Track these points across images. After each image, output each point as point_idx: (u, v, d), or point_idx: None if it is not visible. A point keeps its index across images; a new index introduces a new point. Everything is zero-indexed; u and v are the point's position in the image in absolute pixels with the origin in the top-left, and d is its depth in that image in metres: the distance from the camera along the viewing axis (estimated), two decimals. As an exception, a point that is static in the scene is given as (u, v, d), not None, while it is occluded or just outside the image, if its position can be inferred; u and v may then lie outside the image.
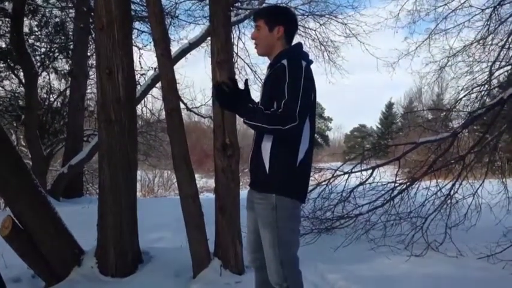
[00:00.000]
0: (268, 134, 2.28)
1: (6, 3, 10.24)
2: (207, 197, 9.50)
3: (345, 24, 12.13)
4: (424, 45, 9.20)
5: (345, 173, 6.20)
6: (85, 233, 4.25)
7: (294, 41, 2.52)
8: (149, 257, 4.21)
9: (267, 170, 2.31)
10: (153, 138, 14.51)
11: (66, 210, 5.34)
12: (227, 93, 2.36)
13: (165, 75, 3.86)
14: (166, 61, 3.85)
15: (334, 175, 6.20)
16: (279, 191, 2.30)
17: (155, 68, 10.85)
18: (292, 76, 2.22)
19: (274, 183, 2.31)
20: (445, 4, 8.75)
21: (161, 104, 14.22)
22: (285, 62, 2.29)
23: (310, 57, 2.46)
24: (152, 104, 18.30)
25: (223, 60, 3.84)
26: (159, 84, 11.13)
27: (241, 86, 2.44)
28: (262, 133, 2.32)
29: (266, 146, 2.32)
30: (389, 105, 39.72)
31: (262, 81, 2.54)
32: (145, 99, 12.12)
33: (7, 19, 10.51)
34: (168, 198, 13.51)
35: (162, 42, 3.83)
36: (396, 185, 5.93)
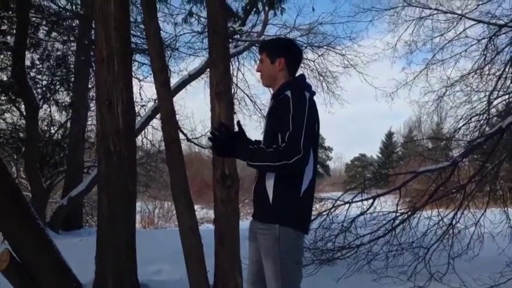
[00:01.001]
0: (276, 171, 2.28)
1: (8, 37, 10.40)
2: (208, 228, 9.41)
3: (343, 55, 12.29)
4: (422, 75, 9.31)
5: (345, 203, 6.16)
6: (84, 266, 4.20)
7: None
8: (148, 290, 4.15)
9: (271, 201, 2.31)
10: (153, 169, 14.50)
11: (65, 243, 5.29)
12: (222, 140, 2.37)
13: (164, 107, 3.88)
14: (166, 93, 3.88)
15: (335, 205, 6.17)
16: (282, 221, 2.29)
17: (155, 100, 10.94)
18: (296, 107, 2.25)
19: (278, 213, 2.30)
20: (441, 35, 8.89)
21: (161, 135, 14.26)
22: (288, 93, 2.32)
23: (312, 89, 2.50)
24: (152, 135, 18.39)
25: (222, 91, 3.87)
26: (159, 115, 11.19)
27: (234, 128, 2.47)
28: (269, 171, 2.32)
29: (270, 176, 2.32)
30: (389, 135, 39.83)
31: (266, 112, 2.56)
32: (146, 130, 12.18)
33: (9, 52, 10.66)
34: (168, 230, 13.39)
35: (161, 74, 3.87)
36: (397, 214, 5.90)
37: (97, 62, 4.06)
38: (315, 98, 2.43)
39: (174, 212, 17.76)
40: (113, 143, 3.92)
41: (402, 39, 10.00)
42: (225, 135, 2.37)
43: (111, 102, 3.90)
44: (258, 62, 2.59)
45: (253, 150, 2.29)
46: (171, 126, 3.85)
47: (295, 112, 2.24)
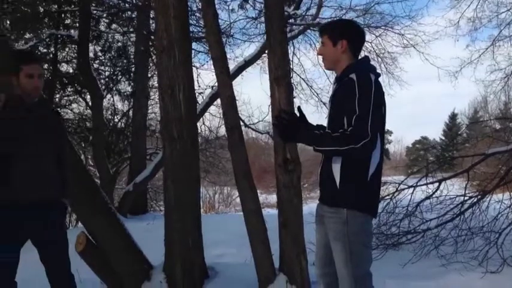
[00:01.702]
0: (343, 156, 2.25)
1: (72, 31, 10.84)
2: (268, 213, 9.49)
3: (402, 34, 11.89)
4: (488, 52, 8.85)
5: (409, 187, 6.00)
6: (151, 249, 4.35)
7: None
8: (215, 273, 4.24)
9: (338, 184, 2.29)
10: (212, 155, 14.74)
11: (132, 227, 5.49)
12: (288, 126, 2.36)
13: (224, 93, 3.91)
14: (225, 79, 3.91)
15: (398, 189, 6.02)
16: (350, 205, 2.27)
17: (212, 87, 11.08)
18: (362, 90, 2.20)
19: (345, 197, 2.27)
20: (508, 10, 8.37)
21: (219, 122, 14.49)
22: (353, 76, 2.27)
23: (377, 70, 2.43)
24: (210, 121, 18.67)
25: (280, 76, 3.84)
26: (216, 102, 11.35)
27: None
28: (336, 156, 2.29)
29: (336, 160, 2.29)
30: (453, 116, 38.28)
31: (330, 95, 2.53)
32: (204, 117, 12.38)
33: (73, 46, 11.13)
34: (229, 215, 13.61)
35: (220, 61, 3.89)
36: (466, 198, 5.67)
37: (158, 51, 4.15)
38: (379, 79, 2.37)
39: (234, 197, 18.15)
40: (176, 130, 4.00)
41: (465, 16, 9.53)
42: (289, 121, 2.36)
43: (173, 90, 3.98)
44: (315, 45, 2.56)
45: (319, 135, 2.27)
46: (231, 113, 3.88)
47: (361, 95, 2.19)
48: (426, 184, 6.01)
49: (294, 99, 3.97)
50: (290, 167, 3.80)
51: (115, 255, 3.98)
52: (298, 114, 2.50)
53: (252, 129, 12.60)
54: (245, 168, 3.84)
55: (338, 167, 2.30)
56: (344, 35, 2.43)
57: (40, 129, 3.00)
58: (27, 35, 10.45)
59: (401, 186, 6.04)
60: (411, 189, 5.98)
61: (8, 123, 2.90)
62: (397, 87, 23.47)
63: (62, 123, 3.35)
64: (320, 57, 2.55)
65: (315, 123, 2.57)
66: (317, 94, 12.98)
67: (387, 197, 5.96)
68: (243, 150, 3.87)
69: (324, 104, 12.72)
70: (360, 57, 2.49)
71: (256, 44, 11.49)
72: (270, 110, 3.93)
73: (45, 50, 10.52)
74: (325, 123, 2.54)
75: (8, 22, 9.69)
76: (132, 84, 12.68)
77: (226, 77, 3.88)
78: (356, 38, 2.48)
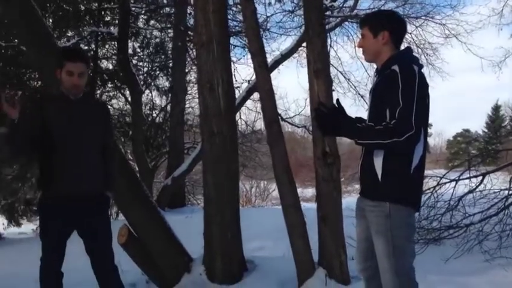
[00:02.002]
0: (386, 149, 2.22)
1: (112, 28, 11.06)
2: (304, 207, 9.47)
3: (443, 24, 11.58)
4: (533, 42, 8.48)
5: (451, 181, 5.86)
6: (190, 242, 4.41)
7: None
8: (254, 266, 4.27)
9: (380, 178, 2.26)
10: (249, 149, 14.80)
11: (171, 220, 5.58)
12: (329, 119, 2.35)
13: (263, 87, 3.91)
14: (264, 73, 3.91)
15: (440, 183, 5.88)
16: (392, 199, 2.24)
17: (249, 81, 11.11)
18: (405, 82, 2.16)
19: (388, 191, 2.25)
20: (554, -3, 8.02)
21: (255, 116, 14.51)
22: (396, 68, 2.23)
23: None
24: (246, 115, 18.74)
25: (319, 69, 3.81)
26: (253, 96, 11.39)
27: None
28: (378, 149, 2.26)
29: (378, 153, 2.26)
30: (496, 108, 36.98)
31: (371, 88, 2.50)
32: (240, 111, 12.43)
33: (113, 42, 11.36)
34: (266, 208, 13.64)
35: (259, 55, 3.89)
36: (511, 192, 5.49)
37: (197, 46, 4.19)
38: (422, 71, 2.33)
39: (271, 191, 18.10)
40: (215, 124, 4.04)
41: (509, 4, 9.18)
42: (331, 114, 2.35)
43: (212, 85, 4.02)
44: (353, 37, 2.54)
45: (362, 128, 2.25)
46: (270, 106, 3.88)
47: (404, 87, 2.15)
48: (469, 178, 5.85)
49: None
50: (329, 160, 3.77)
51: (156, 248, 4.06)
52: (337, 107, 2.48)
53: (289, 123, 12.58)
54: (284, 162, 3.85)
55: (380, 160, 2.27)
56: (385, 26, 2.39)
57: (85, 123, 3.07)
58: (69, 33, 10.73)
59: (443, 180, 5.91)
60: (453, 183, 5.84)
61: (54, 117, 2.99)
62: (438, 78, 22.92)
63: (108, 114, 3.40)
64: (360, 49, 2.52)
65: (355, 116, 2.54)
66: (355, 87, 12.83)
67: (428, 191, 5.83)
68: (282, 144, 3.87)
69: (362, 96, 12.56)
70: (401, 49, 2.45)
71: (293, 37, 11.45)
72: (308, 103, 3.91)
73: (86, 47, 10.76)
74: (363, 116, 2.52)
75: (51, 20, 9.97)
76: (169, 79, 12.85)
77: (264, 70, 3.88)
78: (398, 29, 2.44)
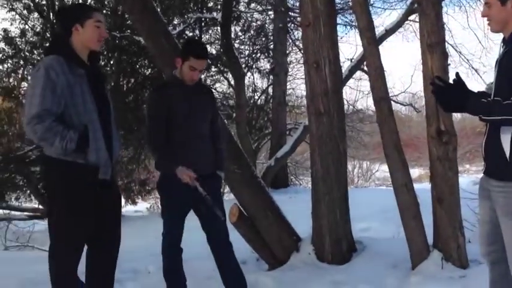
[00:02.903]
0: None
1: (215, 13, 11.38)
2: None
3: None
4: None
5: None
6: (296, 221, 4.46)
7: None
8: (363, 247, 4.22)
9: (508, 157, 2.11)
10: (351, 129, 14.57)
11: (276, 200, 5.70)
12: (451, 94, 2.21)
13: (373, 64, 3.81)
14: (373, 49, 3.80)
15: None
16: None
17: (351, 59, 10.88)
18: None
19: None
20: None
21: (355, 95, 14.20)
22: None
23: None
24: (348, 94, 18.36)
25: (434, 42, 3.62)
26: (355, 75, 11.14)
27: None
28: (506, 125, 2.11)
29: (506, 130, 2.11)
30: None
31: (496, 60, 2.32)
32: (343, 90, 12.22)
33: (216, 28, 11.70)
34: (370, 189, 13.39)
35: (367, 31, 3.79)
36: None
37: (303, 26, 4.17)
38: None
39: (374, 171, 17.66)
40: (322, 104, 4.02)
41: None
42: (453, 88, 2.21)
43: (318, 64, 3.99)
44: (465, 7, 2.34)
45: (487, 103, 2.10)
46: (380, 84, 3.77)
47: None
48: None
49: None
50: (445, 139, 3.59)
51: (265, 227, 4.16)
52: (457, 81, 2.33)
53: (394, 101, 12.14)
54: (395, 140, 3.73)
55: (508, 138, 2.11)
56: None
57: (200, 108, 3.22)
58: (175, 21, 11.23)
59: None
60: None
61: (176, 103, 3.15)
62: None
63: (215, 99, 3.56)
64: (484, 19, 2.34)
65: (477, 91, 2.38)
66: (467, 60, 12.02)
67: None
68: (392, 123, 3.75)
69: (476, 70, 11.74)
70: None
71: (398, 11, 10.96)
72: (417, 80, 3.73)
73: (191, 34, 11.21)
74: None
75: (159, 10, 10.50)
76: (271, 61, 12.98)
77: (374, 47, 3.77)
78: None
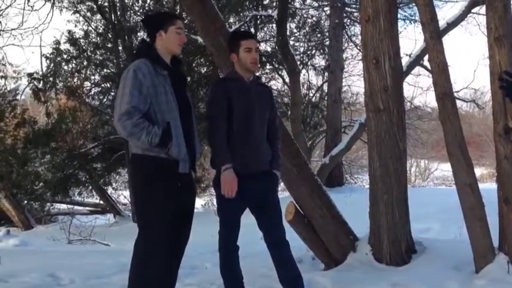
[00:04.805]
0: None
1: (270, 11, 11.40)
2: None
3: None
4: None
5: None
6: (352, 220, 4.38)
7: None
8: (423, 248, 4.09)
9: None
10: (408, 126, 14.19)
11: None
12: None
13: (436, 59, 3.66)
14: (437, 43, 3.65)
15: None
16: None
17: (409, 55, 10.58)
18: None
19: None
20: None
21: (413, 91, 13.80)
22: None
23: None
24: (407, 91, 17.93)
25: (502, 35, 3.44)
26: (414, 71, 10.81)
27: None
28: None
29: None
30: None
31: None
32: (401, 86, 11.91)
33: (271, 25, 11.72)
34: (429, 189, 12.99)
35: (430, 25, 3.65)
36: None
37: (362, 21, 4.08)
38: None
39: (432, 170, 17.21)
40: (381, 100, 3.92)
41: None
42: None
43: (378, 60, 3.90)
44: None
45: None
46: (443, 79, 3.63)
47: None
48: None
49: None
50: (512, 137, 3.41)
51: (322, 225, 4.11)
52: None
53: (456, 97, 11.68)
54: (459, 139, 3.58)
55: None
56: None
57: (258, 104, 3.22)
58: (231, 19, 11.34)
59: None
60: None
61: (235, 98, 3.15)
62: None
63: (272, 96, 3.54)
64: None
65: None
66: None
67: None
68: (456, 120, 3.60)
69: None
70: None
71: (461, 3, 10.55)
72: (489, 74, 3.56)
73: (246, 32, 11.28)
74: None
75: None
76: (326, 58, 12.85)
77: (437, 41, 3.62)
78: None
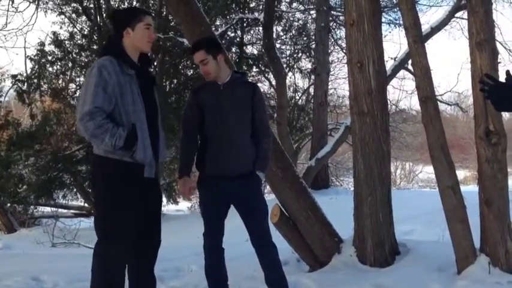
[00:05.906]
0: None
1: (256, 14, 11.43)
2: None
3: None
4: None
5: None
6: (337, 223, 4.41)
7: None
8: (406, 249, 4.13)
9: None
10: (393, 129, 14.32)
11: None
12: (506, 92, 2.13)
13: (418, 63, 3.72)
14: (419, 48, 3.71)
15: None
16: None
17: (394, 58, 10.70)
18: None
19: None
20: None
21: (398, 94, 13.93)
22: None
23: None
24: (391, 94, 18.07)
25: (483, 40, 3.51)
26: (398, 74, 10.93)
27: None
28: None
29: None
30: None
31: None
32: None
33: (257, 28, 11.76)
34: (413, 191, 13.11)
35: (413, 29, 3.70)
36: None
37: (346, 25, 4.12)
38: None
39: (417, 173, 17.41)
40: (365, 104, 3.96)
41: None
42: (508, 86, 2.14)
43: (362, 64, 3.94)
44: None
45: None
46: (426, 83, 3.68)
47: None
48: None
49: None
50: (493, 140, 3.48)
51: (307, 227, 4.11)
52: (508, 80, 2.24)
53: (439, 101, 11.83)
54: (441, 142, 3.64)
55: None
56: None
57: (232, 104, 3.15)
58: (217, 22, 11.35)
59: None
60: None
61: (204, 101, 3.17)
62: None
63: (257, 94, 3.31)
64: None
65: None
66: (516, 58, 11.55)
67: None
68: (438, 123, 3.66)
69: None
70: None
71: (444, 8, 10.71)
72: (470, 78, 3.63)
73: (233, 34, 11.31)
74: None
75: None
76: (312, 61, 12.93)
77: (420, 45, 3.68)
78: None
